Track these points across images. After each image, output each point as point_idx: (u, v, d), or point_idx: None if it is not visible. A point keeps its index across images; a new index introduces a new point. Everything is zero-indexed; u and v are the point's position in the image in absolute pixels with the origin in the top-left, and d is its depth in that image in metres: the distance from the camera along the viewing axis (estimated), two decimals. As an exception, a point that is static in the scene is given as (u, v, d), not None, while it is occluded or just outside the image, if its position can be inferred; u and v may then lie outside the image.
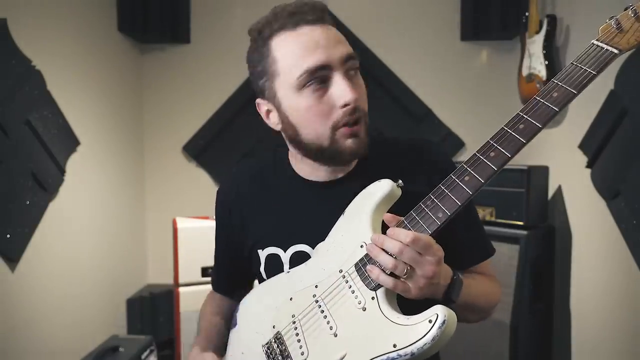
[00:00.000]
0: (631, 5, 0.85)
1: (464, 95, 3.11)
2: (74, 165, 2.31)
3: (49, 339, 2.11)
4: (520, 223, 2.20)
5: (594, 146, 1.95)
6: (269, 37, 0.93)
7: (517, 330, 2.13)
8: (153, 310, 3.00)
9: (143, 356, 2.33)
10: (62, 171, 2.22)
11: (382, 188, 0.91)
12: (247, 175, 1.11)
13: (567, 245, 2.20)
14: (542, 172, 2.27)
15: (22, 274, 1.94)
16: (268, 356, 0.96)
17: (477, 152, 0.84)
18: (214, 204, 1.14)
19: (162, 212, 3.12)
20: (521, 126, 0.82)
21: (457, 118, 3.10)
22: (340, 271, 0.91)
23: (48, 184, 2.10)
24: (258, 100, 1.00)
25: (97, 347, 2.30)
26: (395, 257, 0.81)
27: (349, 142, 0.93)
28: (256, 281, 1.12)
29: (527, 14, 2.41)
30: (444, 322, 0.77)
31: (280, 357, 0.94)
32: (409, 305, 0.86)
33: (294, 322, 0.94)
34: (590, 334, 2.02)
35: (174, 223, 2.68)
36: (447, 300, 0.87)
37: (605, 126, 1.88)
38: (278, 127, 1.00)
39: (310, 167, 1.02)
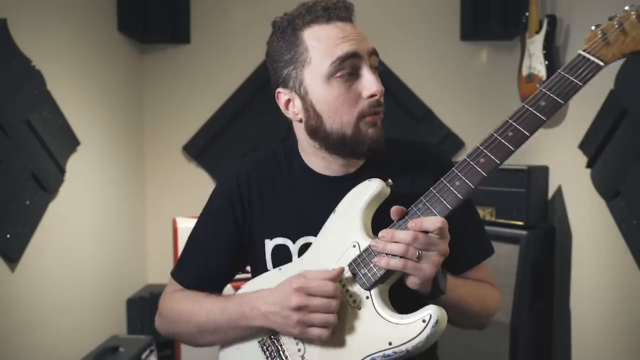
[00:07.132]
0: (616, 16, 0.85)
1: (464, 95, 3.11)
2: (74, 165, 2.31)
3: (49, 339, 2.11)
4: (520, 223, 2.20)
5: (594, 146, 1.95)
6: (300, 28, 0.96)
7: (517, 330, 2.13)
8: (153, 310, 2.95)
9: (143, 356, 2.33)
10: (62, 171, 2.22)
11: (372, 187, 0.94)
12: (253, 167, 1.09)
13: (567, 245, 2.20)
14: (542, 172, 2.27)
15: (22, 274, 1.94)
16: (264, 352, 0.97)
17: (466, 157, 0.88)
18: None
19: (162, 212, 3.12)
20: (510, 134, 0.85)
21: (457, 118, 3.10)
22: None
23: (48, 184, 2.10)
24: (279, 90, 1.01)
25: (97, 347, 2.30)
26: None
27: (371, 131, 0.97)
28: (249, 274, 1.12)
29: (527, 14, 2.41)
30: (437, 321, 0.82)
31: (276, 354, 0.96)
32: (398, 305, 0.89)
33: None
34: (590, 334, 2.02)
35: (174, 223, 2.67)
36: (436, 292, 0.90)
37: (605, 126, 1.88)
38: (297, 117, 1.01)
39: (323, 161, 1.03)
